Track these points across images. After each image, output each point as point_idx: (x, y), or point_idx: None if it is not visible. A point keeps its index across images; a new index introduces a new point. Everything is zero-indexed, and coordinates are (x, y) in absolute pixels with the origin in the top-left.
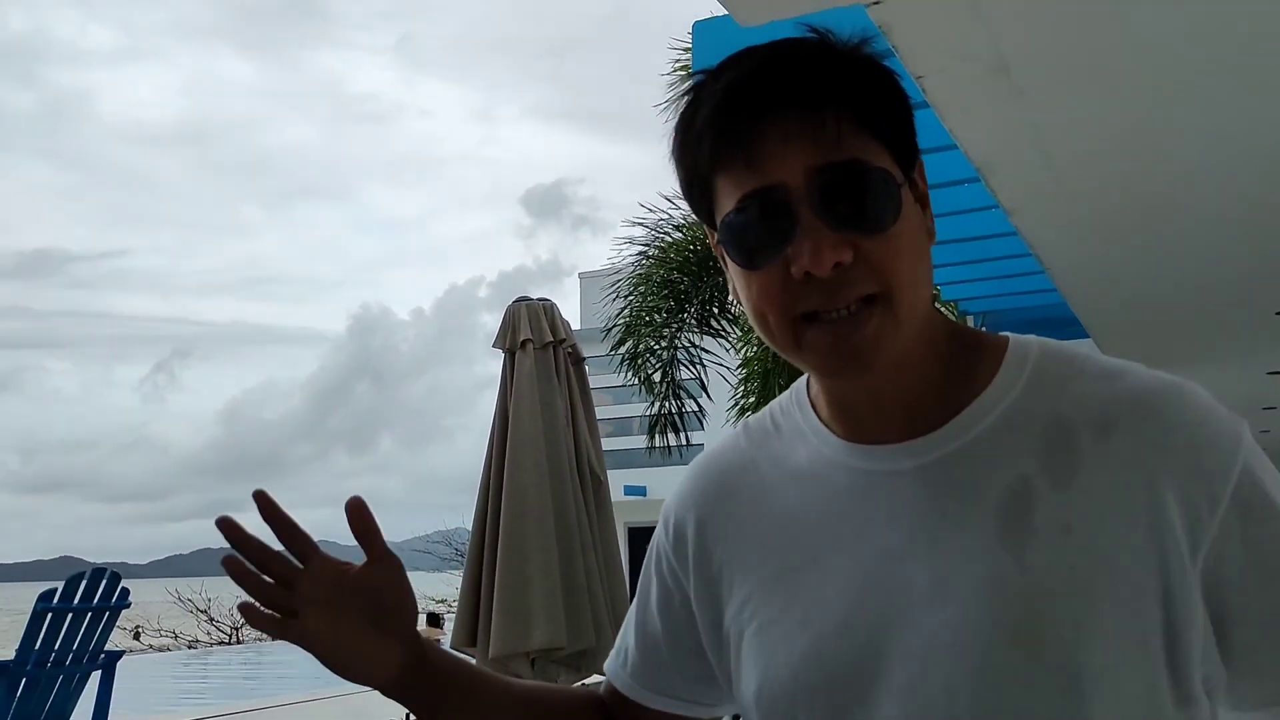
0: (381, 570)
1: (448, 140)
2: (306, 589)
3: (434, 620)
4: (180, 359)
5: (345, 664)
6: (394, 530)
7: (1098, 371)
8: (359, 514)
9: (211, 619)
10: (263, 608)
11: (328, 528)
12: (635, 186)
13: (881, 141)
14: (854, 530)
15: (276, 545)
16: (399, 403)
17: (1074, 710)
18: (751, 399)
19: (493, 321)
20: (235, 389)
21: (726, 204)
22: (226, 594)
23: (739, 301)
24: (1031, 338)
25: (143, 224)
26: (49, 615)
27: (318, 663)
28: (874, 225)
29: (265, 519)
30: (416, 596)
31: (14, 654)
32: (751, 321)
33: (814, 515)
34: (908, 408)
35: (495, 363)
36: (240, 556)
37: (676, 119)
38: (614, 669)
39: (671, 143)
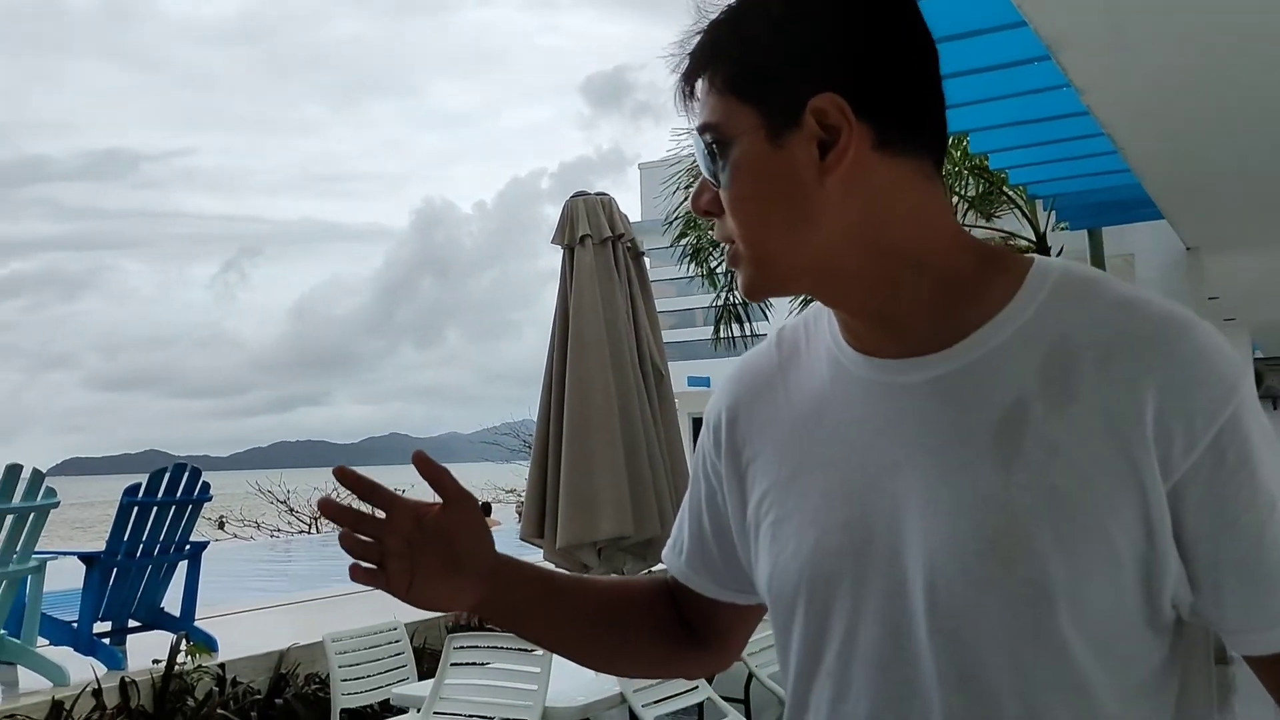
0: (457, 511)
1: (506, 29)
2: (387, 541)
3: (486, 509)
4: (250, 257)
5: (424, 604)
6: (462, 423)
7: (1112, 298)
8: (426, 465)
9: (291, 509)
10: (364, 565)
11: (398, 420)
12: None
13: (743, 100)
14: (863, 438)
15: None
16: (464, 296)
17: (1043, 620)
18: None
19: (555, 213)
20: (304, 286)
21: None
22: (304, 484)
23: None
24: (1056, 260)
25: (208, 123)
26: (135, 508)
27: None
28: (717, 180)
29: (346, 486)
30: (486, 486)
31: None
32: None
33: (828, 421)
34: (912, 323)
35: (559, 255)
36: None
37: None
38: (670, 558)
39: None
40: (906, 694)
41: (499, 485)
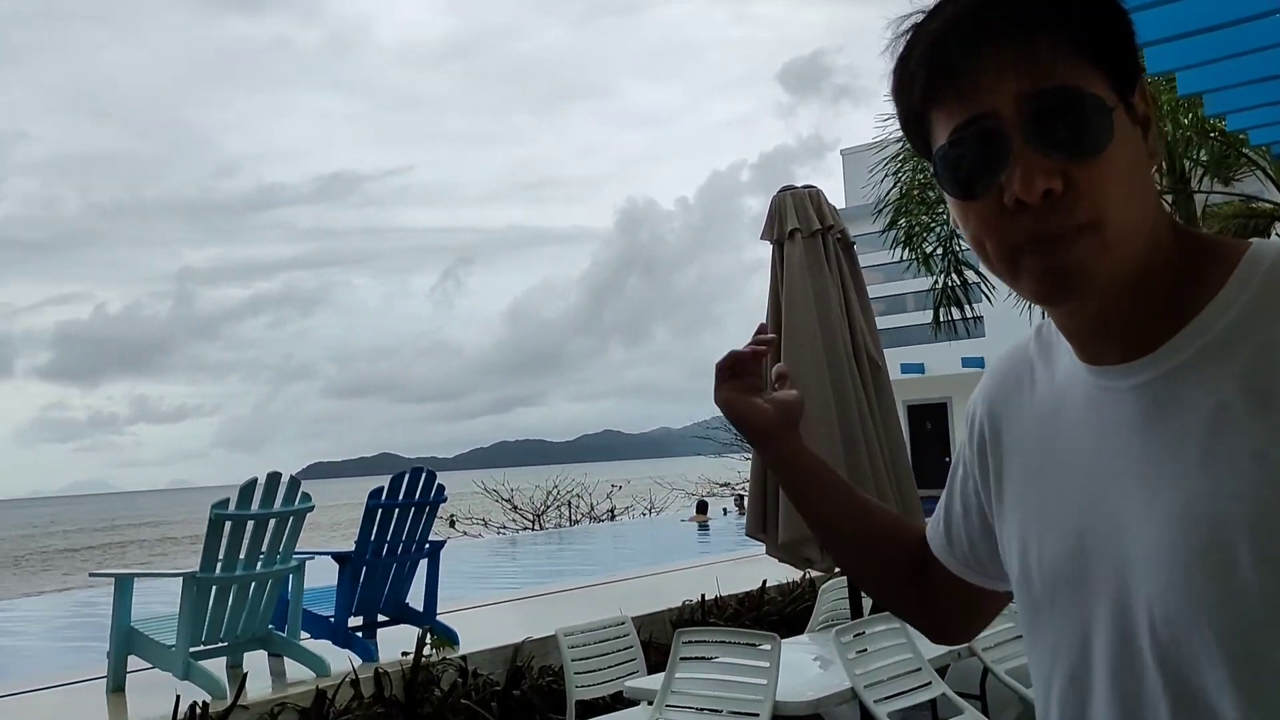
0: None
1: (699, 23)
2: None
3: (702, 507)
4: (464, 266)
5: (750, 411)
6: (673, 418)
7: None
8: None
9: (515, 507)
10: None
11: (610, 417)
12: None
13: (1097, 65)
14: (1089, 444)
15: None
16: (670, 292)
17: (1255, 637)
18: None
19: (757, 205)
20: (516, 290)
21: (940, 137)
22: (525, 482)
23: (961, 233)
24: (1275, 244)
25: (422, 140)
26: (379, 511)
27: (613, 547)
28: (1084, 151)
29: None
30: (700, 480)
31: (353, 546)
32: (975, 251)
33: (1064, 426)
34: (1129, 328)
35: (762, 246)
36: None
37: (894, 60)
38: (930, 532)
39: (890, 83)
40: (1136, 705)
41: (713, 479)
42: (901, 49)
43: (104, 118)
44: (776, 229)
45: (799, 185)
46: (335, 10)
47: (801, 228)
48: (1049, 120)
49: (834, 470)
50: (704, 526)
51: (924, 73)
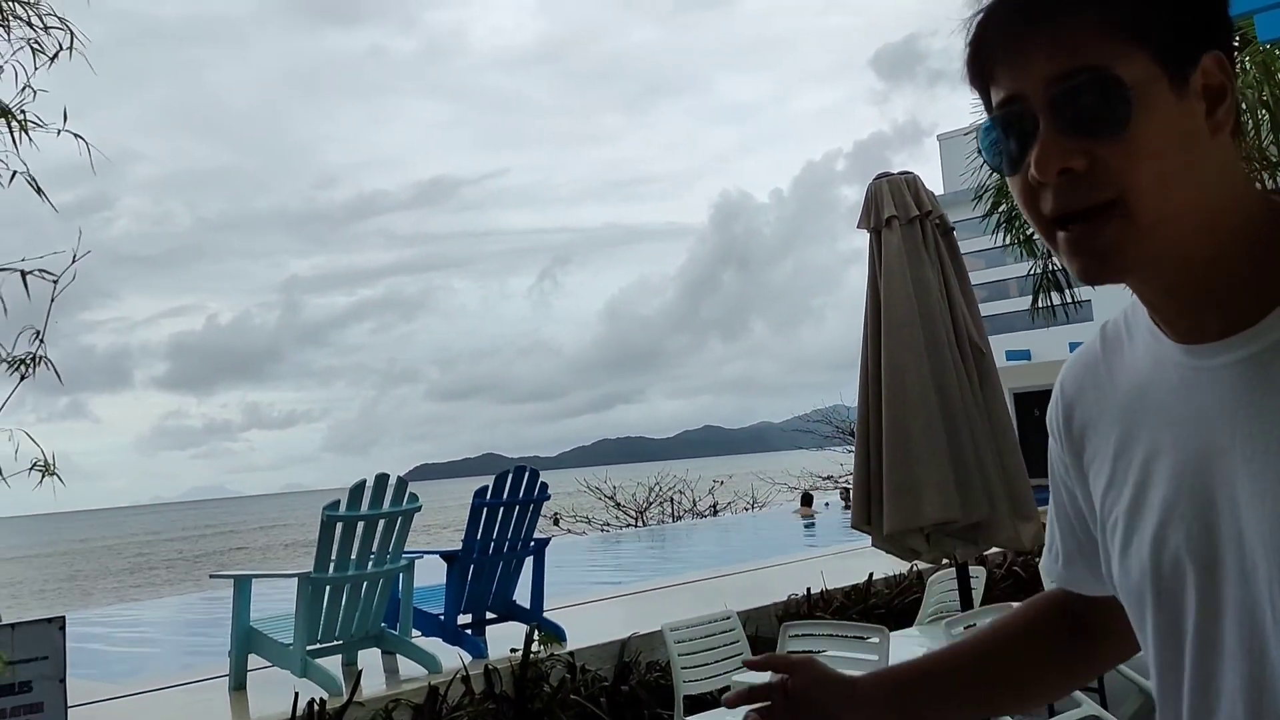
0: (798, 674)
1: (789, 13)
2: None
3: (807, 499)
4: (561, 266)
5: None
6: (773, 412)
7: None
8: (758, 665)
9: (618, 504)
10: None
11: (710, 413)
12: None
13: (1137, 43)
14: (1186, 426)
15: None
16: (766, 286)
17: None
18: None
19: (853, 194)
20: (613, 288)
21: (987, 115)
22: (628, 479)
23: None
24: None
25: (516, 143)
26: (485, 510)
27: (716, 542)
28: (1103, 131)
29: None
30: (802, 474)
31: (460, 545)
32: None
33: (1152, 411)
34: (1221, 303)
35: (859, 236)
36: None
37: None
38: (1048, 566)
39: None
40: (1260, 687)
41: (814, 472)
42: (969, 30)
43: (210, 134)
44: (873, 217)
45: (895, 172)
46: (429, 19)
47: (899, 215)
48: (1070, 102)
49: (923, 667)
50: (809, 521)
51: (971, 57)
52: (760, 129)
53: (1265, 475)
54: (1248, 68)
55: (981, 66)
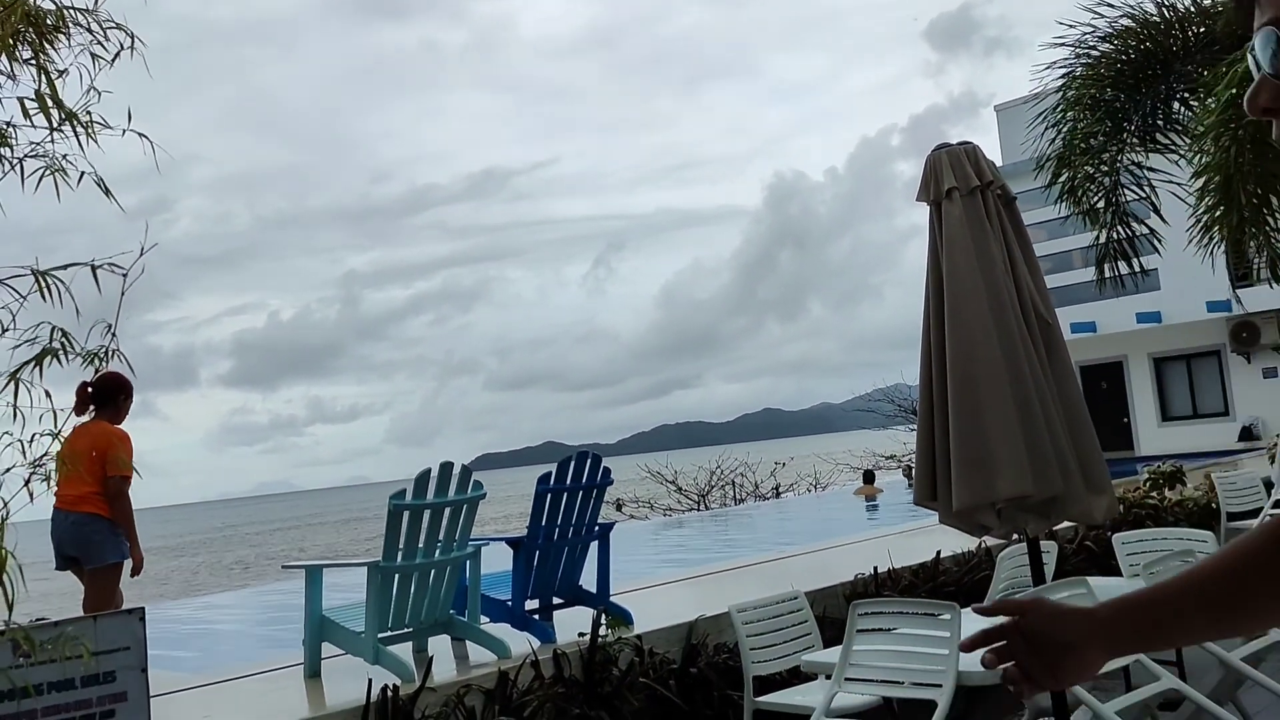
0: (1031, 616)
1: None
2: (1019, 653)
3: (869, 478)
4: (615, 252)
5: (1070, 684)
6: (834, 392)
7: None
8: (991, 612)
9: (679, 488)
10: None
11: (769, 395)
12: None
13: None
14: None
15: None
16: (823, 265)
17: None
18: (1217, 212)
19: (909, 170)
20: (667, 273)
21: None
22: (689, 464)
23: None
24: None
25: (567, 131)
26: (548, 496)
27: (779, 524)
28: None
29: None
30: (865, 454)
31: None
32: None
33: None
34: None
35: (917, 211)
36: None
37: None
38: None
39: None
40: None
41: (877, 452)
42: None
43: (266, 134)
44: (933, 189)
45: (954, 143)
46: (478, 10)
47: (959, 186)
48: (1273, 46)
49: (1177, 591)
50: (873, 502)
51: None
52: (813, 108)
53: None
54: None
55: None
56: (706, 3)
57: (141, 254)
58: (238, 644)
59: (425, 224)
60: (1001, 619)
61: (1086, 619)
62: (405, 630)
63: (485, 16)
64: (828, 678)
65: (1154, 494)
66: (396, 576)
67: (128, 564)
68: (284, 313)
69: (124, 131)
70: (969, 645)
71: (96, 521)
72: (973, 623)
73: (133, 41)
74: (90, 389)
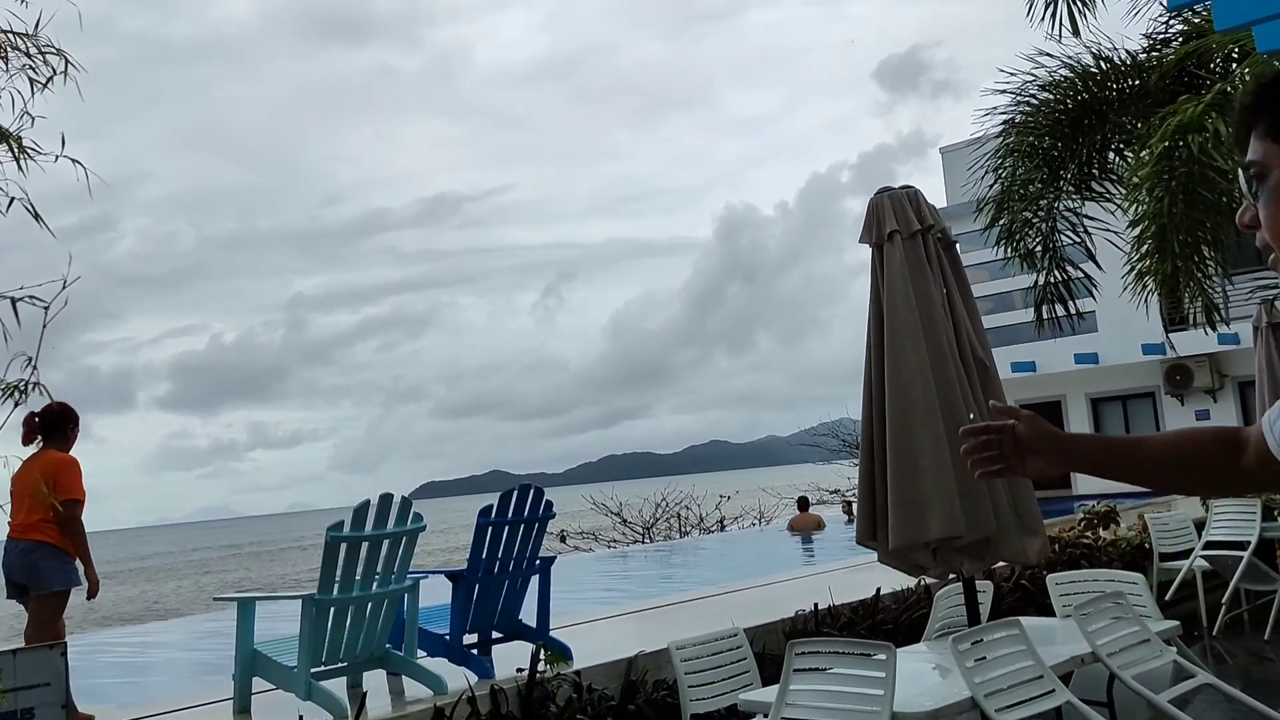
0: (1025, 424)
1: (795, 27)
2: (998, 445)
3: (803, 504)
4: (566, 281)
5: (1032, 475)
6: (780, 426)
7: None
8: (1001, 412)
9: (624, 520)
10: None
11: (717, 427)
12: (999, 41)
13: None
14: None
15: None
16: (772, 298)
17: None
18: (1150, 260)
19: (858, 206)
20: (618, 303)
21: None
22: (634, 495)
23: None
24: None
25: (522, 159)
26: (489, 529)
27: (723, 558)
28: (1258, 199)
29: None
30: (809, 487)
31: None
32: None
33: None
34: None
35: (865, 248)
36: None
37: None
38: (1269, 417)
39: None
40: None
41: (822, 486)
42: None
43: (219, 153)
44: (875, 231)
45: (896, 186)
46: (436, 36)
47: (901, 229)
48: (1248, 180)
49: (1132, 443)
50: (809, 541)
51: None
52: (765, 142)
53: None
54: (1247, 79)
55: (1245, 127)
56: (664, 36)
57: (65, 286)
58: (167, 676)
59: (376, 248)
60: (1002, 420)
61: (1057, 441)
62: (340, 665)
63: (443, 43)
64: (765, 716)
65: (1088, 534)
66: (332, 610)
67: (82, 590)
68: (227, 335)
69: (56, 158)
70: (970, 431)
71: (43, 549)
72: (908, 663)
73: (66, 66)
74: (38, 419)
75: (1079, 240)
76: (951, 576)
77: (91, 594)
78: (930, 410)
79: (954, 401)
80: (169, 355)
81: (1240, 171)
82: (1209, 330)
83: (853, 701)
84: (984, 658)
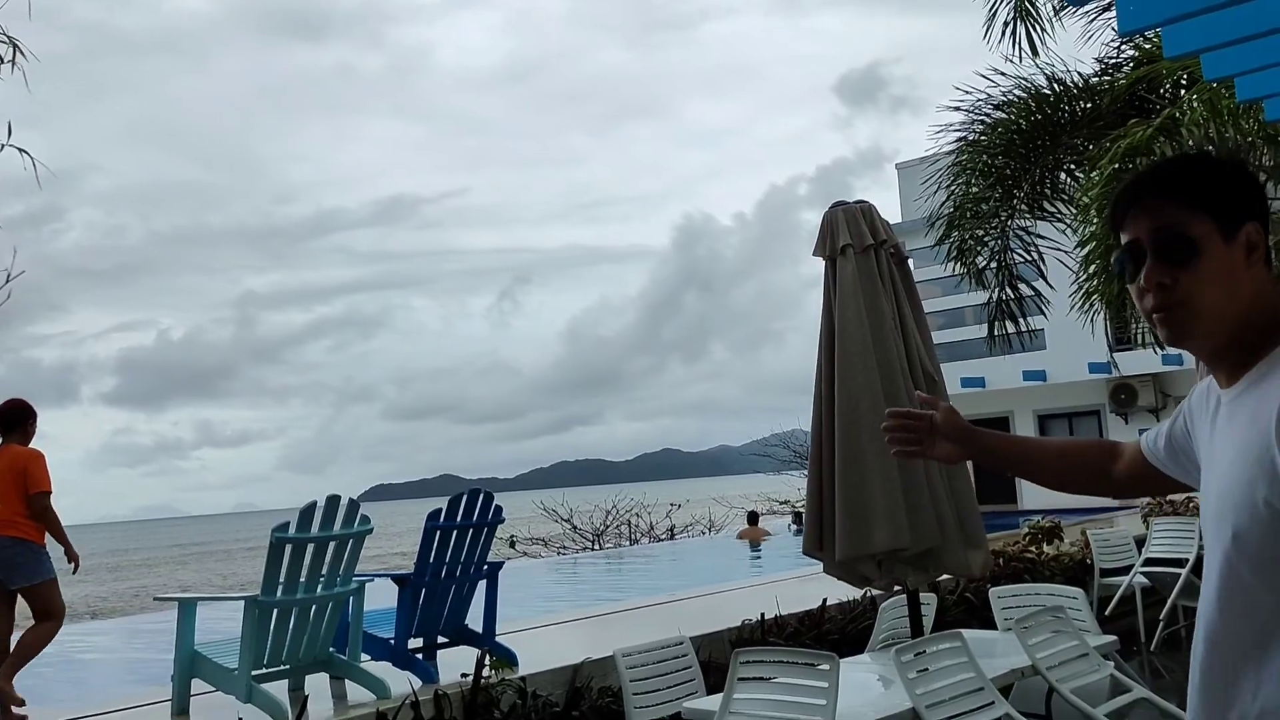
0: (944, 415)
1: (756, 39)
2: (920, 430)
3: (753, 519)
4: (521, 286)
5: (940, 458)
6: (732, 435)
7: None
8: (926, 402)
9: (574, 526)
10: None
11: (669, 436)
12: (957, 59)
13: (1204, 214)
14: (1219, 434)
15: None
16: (728, 308)
17: (1265, 545)
18: (1096, 281)
19: (815, 218)
20: (573, 309)
21: (1121, 242)
22: (585, 502)
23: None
24: None
25: (480, 163)
26: (438, 532)
27: (672, 566)
28: (1181, 263)
29: (923, 404)
30: (759, 497)
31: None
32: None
33: (1216, 420)
34: (1232, 365)
35: (821, 261)
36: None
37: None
38: (1150, 436)
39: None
40: (1213, 579)
41: (772, 496)
42: (1116, 196)
43: (171, 147)
44: (829, 245)
45: (851, 201)
46: (397, 37)
47: (854, 243)
48: (1160, 245)
49: (1027, 442)
50: (757, 550)
51: (1112, 211)
52: (725, 153)
53: (1225, 470)
54: (1194, 106)
55: (1118, 219)
56: (626, 45)
57: (9, 280)
58: (105, 677)
59: (330, 248)
60: (928, 410)
61: (966, 431)
62: (282, 667)
63: (403, 44)
64: None
65: (1032, 548)
66: (275, 612)
67: (65, 571)
68: (175, 331)
69: (2, 146)
70: (896, 414)
71: (21, 544)
72: (851, 673)
73: (15, 54)
74: None
75: (1031, 259)
76: (897, 588)
77: (76, 567)
78: (878, 424)
79: None
80: (115, 350)
81: (1163, 235)
82: (1157, 350)
83: (795, 711)
84: (926, 669)
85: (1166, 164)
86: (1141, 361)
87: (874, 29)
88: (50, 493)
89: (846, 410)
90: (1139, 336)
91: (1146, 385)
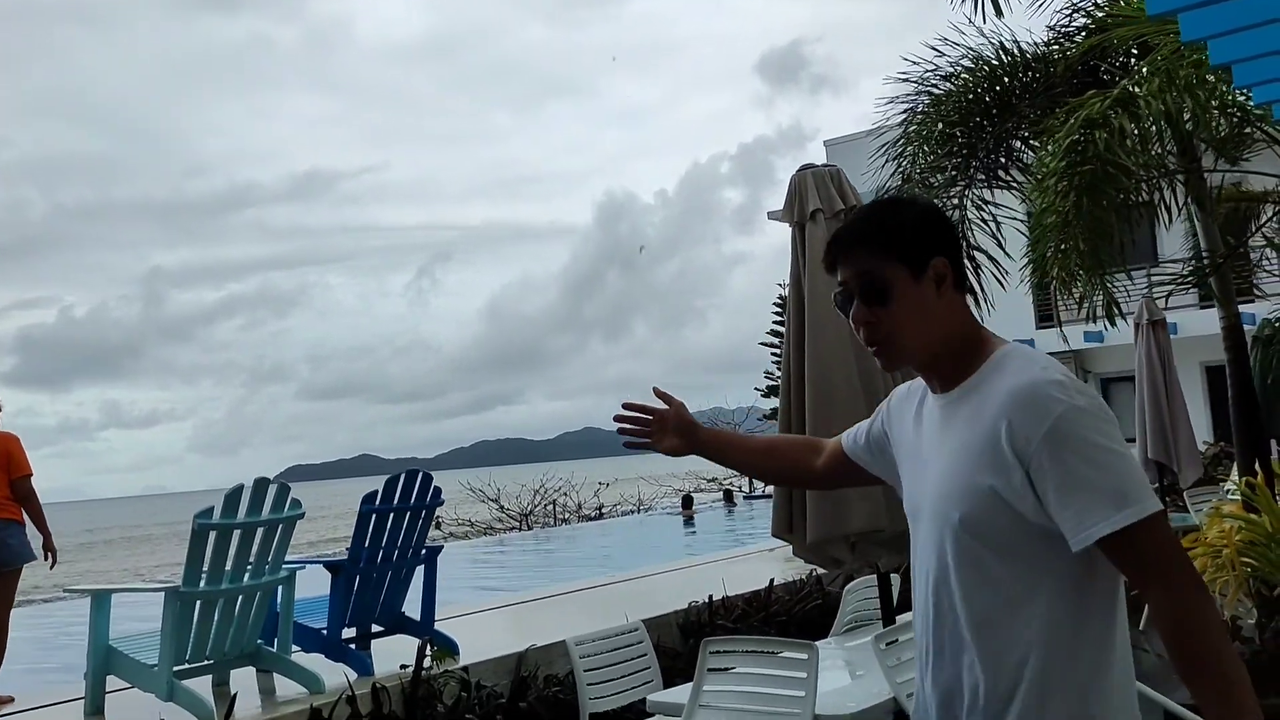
0: (674, 410)
1: (677, 17)
2: (655, 422)
3: (687, 502)
4: (441, 263)
5: (667, 451)
6: None
7: (1018, 368)
8: (659, 395)
9: (502, 506)
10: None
11: (591, 414)
12: (879, 40)
13: (895, 258)
14: (926, 433)
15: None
16: (649, 286)
17: (971, 537)
18: (1048, 252)
19: (737, 197)
20: (494, 286)
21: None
22: (511, 481)
23: None
24: (1010, 345)
25: (400, 138)
26: (373, 516)
27: (604, 546)
28: (879, 303)
29: (659, 399)
30: (688, 476)
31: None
32: None
33: (922, 420)
34: (942, 379)
35: (743, 238)
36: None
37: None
38: (848, 438)
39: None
40: (925, 570)
41: (701, 475)
42: (829, 243)
43: (75, 120)
44: (797, 210)
45: (819, 164)
46: (314, 8)
47: (824, 208)
48: (862, 288)
49: (742, 437)
50: (689, 521)
51: (825, 255)
52: (647, 131)
53: (938, 464)
54: (1145, 75)
55: (829, 264)
56: (548, 21)
57: None
58: (10, 675)
59: (243, 223)
60: (659, 405)
61: (691, 428)
62: (206, 663)
63: (321, 15)
64: (677, 718)
65: None
66: (199, 603)
67: (42, 561)
68: (79, 309)
69: None
70: (631, 405)
71: (12, 525)
72: (829, 658)
73: None
74: None
75: (989, 230)
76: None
77: (53, 563)
78: (853, 399)
79: (875, 388)
80: (15, 328)
81: (861, 281)
82: (1110, 325)
83: (771, 703)
84: (902, 659)
85: (864, 215)
86: (1061, 339)
87: (795, 8)
88: (32, 475)
89: (818, 384)
90: (1091, 311)
91: (1068, 362)
